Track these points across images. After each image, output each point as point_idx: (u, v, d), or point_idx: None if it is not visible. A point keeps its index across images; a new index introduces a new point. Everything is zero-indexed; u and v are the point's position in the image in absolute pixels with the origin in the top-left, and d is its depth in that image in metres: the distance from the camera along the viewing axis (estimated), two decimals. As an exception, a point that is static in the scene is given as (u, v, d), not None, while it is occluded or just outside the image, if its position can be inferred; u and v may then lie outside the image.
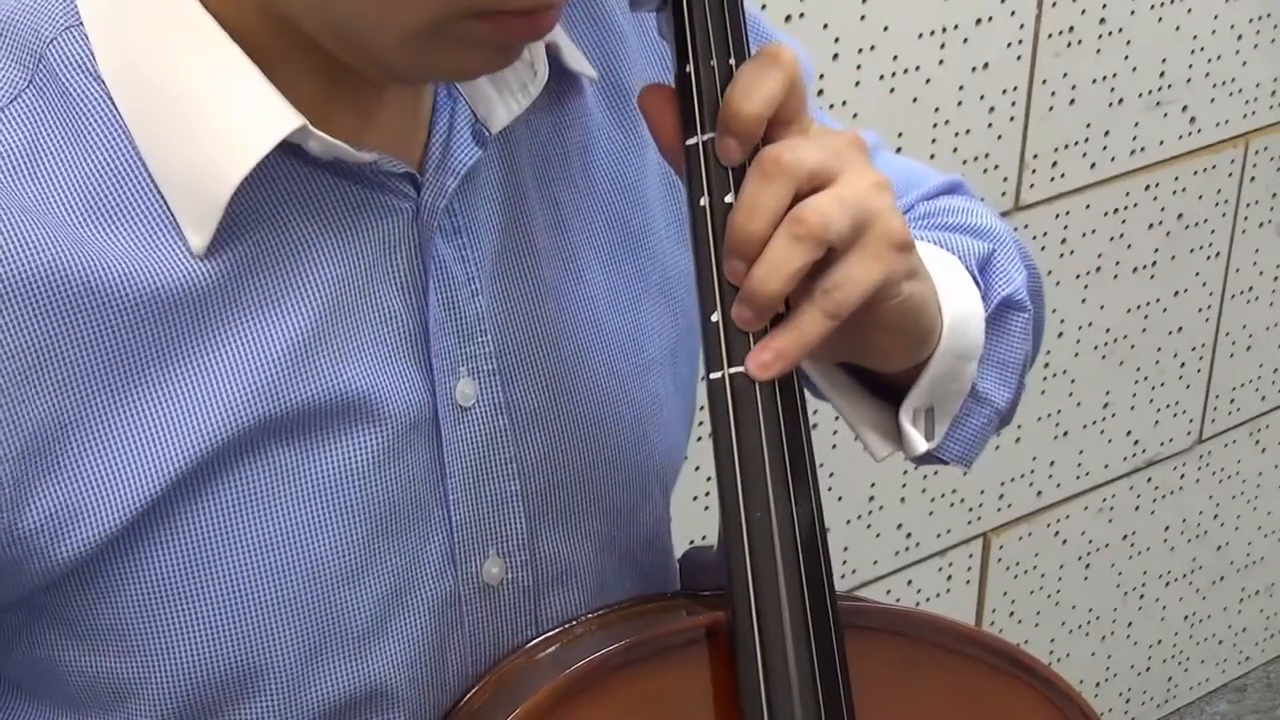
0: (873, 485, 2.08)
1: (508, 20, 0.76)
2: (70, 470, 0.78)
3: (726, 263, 0.80)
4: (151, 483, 0.79)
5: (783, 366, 0.81)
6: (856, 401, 0.94)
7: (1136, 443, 2.35)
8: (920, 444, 0.94)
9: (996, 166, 2.03)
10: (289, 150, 0.80)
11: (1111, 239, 2.19)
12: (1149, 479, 2.39)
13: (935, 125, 1.95)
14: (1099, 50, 2.06)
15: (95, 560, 0.80)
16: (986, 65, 1.96)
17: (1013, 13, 1.96)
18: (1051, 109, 2.05)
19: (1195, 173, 2.24)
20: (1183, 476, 2.44)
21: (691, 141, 0.82)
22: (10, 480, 0.78)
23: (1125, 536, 2.40)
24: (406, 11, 0.75)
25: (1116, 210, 2.18)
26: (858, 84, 1.85)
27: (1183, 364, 2.36)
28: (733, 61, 0.81)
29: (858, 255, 0.80)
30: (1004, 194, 2.05)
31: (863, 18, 1.83)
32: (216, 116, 0.78)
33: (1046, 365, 2.19)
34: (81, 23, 0.79)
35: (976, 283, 0.96)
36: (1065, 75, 2.04)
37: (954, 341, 0.91)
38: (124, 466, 0.79)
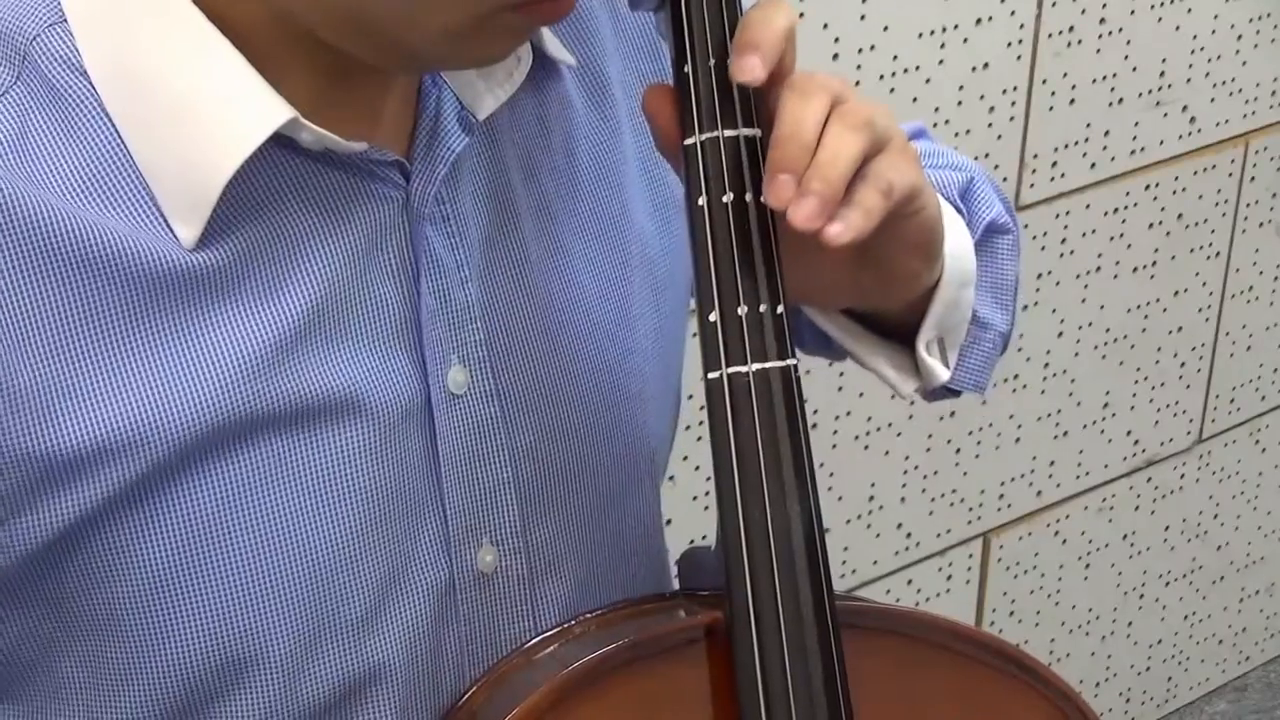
0: (873, 485, 2.08)
1: (538, 6, 0.78)
2: (55, 435, 0.78)
3: (771, 182, 0.78)
4: (134, 461, 0.79)
5: (852, 235, 0.79)
6: (872, 346, 0.96)
7: (1136, 443, 2.35)
8: (942, 372, 0.96)
9: (996, 166, 2.03)
10: (280, 142, 0.80)
11: (1111, 239, 2.19)
12: (1149, 479, 2.39)
13: (935, 125, 1.95)
14: (1099, 50, 2.06)
15: (88, 538, 0.80)
16: (986, 65, 1.96)
17: (1013, 13, 1.96)
18: (1051, 109, 2.05)
19: (1195, 173, 2.24)
20: (1183, 476, 2.44)
21: (690, 141, 0.82)
22: None
23: (1125, 536, 2.40)
24: (448, 11, 0.76)
25: (1116, 210, 2.18)
26: (858, 84, 1.85)
27: (1183, 364, 2.35)
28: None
29: (891, 156, 0.81)
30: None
31: (863, 18, 1.83)
32: (205, 111, 0.79)
33: (1046, 365, 2.19)
34: (65, 19, 0.79)
35: (960, 211, 0.98)
36: (1065, 75, 2.04)
37: (953, 267, 0.93)
38: (106, 438, 0.78)
